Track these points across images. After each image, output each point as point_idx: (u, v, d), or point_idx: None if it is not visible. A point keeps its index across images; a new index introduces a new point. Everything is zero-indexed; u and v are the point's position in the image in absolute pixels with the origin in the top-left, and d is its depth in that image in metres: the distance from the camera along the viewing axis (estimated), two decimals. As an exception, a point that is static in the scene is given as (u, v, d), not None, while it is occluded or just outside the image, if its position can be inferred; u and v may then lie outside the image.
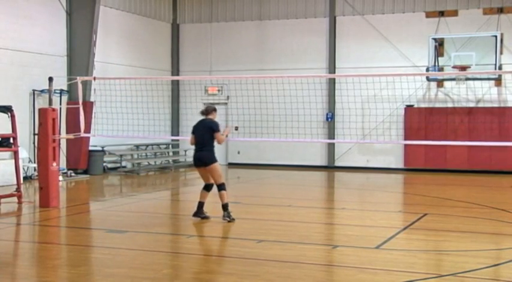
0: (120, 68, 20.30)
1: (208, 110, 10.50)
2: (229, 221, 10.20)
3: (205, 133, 10.22)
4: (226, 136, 10.73)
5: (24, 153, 16.10)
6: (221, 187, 10.21)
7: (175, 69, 23.30)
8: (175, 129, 23.10)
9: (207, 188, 10.41)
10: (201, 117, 10.55)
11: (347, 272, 7.19)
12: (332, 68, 21.53)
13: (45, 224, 10.53)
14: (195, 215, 10.42)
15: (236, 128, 22.04)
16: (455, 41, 19.46)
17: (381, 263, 7.47)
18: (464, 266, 7.28)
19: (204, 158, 10.18)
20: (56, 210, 11.62)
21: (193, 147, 10.54)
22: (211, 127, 10.25)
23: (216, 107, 10.88)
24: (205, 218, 10.37)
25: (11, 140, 12.49)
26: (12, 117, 12.49)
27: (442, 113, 20.21)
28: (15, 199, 12.27)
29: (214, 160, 10.19)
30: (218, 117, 10.78)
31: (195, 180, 18.68)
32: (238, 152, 22.65)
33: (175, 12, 23.37)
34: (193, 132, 10.43)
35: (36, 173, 15.67)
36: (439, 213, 11.63)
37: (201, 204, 10.39)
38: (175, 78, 22.76)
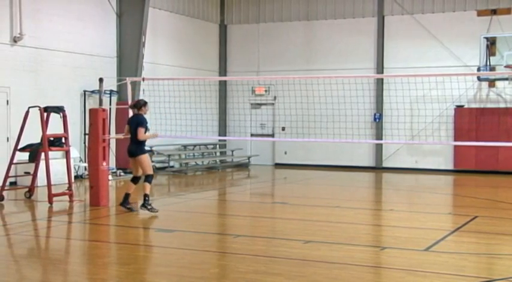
0: (169, 69, 20.52)
1: (137, 105, 11.25)
2: (150, 210, 10.95)
3: (135, 127, 11.04)
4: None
5: (75, 152, 16.43)
6: (147, 178, 11.05)
7: (223, 70, 23.43)
8: (222, 130, 23.22)
9: (134, 180, 11.33)
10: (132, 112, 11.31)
11: (395, 274, 7.10)
12: (380, 68, 21.30)
13: (95, 222, 10.73)
14: (122, 204, 11.26)
15: (283, 129, 22.06)
16: (508, 39, 19.01)
17: (430, 266, 7.35)
18: (517, 270, 7.11)
19: (132, 150, 11.06)
20: (106, 208, 11.83)
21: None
22: (137, 123, 11.03)
23: (262, 106, 11.08)
24: (130, 209, 11.21)
25: (63, 140, 12.78)
26: (64, 117, 12.75)
27: (494, 114, 19.76)
28: (66, 197, 12.54)
29: (141, 152, 11.04)
30: (266, 117, 10.90)
31: (242, 181, 18.80)
32: (285, 153, 22.62)
33: (223, 13, 23.49)
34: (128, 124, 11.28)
35: (86, 172, 16.00)
36: (490, 215, 11.38)
37: (127, 196, 11.30)
38: (223, 78, 22.88)
